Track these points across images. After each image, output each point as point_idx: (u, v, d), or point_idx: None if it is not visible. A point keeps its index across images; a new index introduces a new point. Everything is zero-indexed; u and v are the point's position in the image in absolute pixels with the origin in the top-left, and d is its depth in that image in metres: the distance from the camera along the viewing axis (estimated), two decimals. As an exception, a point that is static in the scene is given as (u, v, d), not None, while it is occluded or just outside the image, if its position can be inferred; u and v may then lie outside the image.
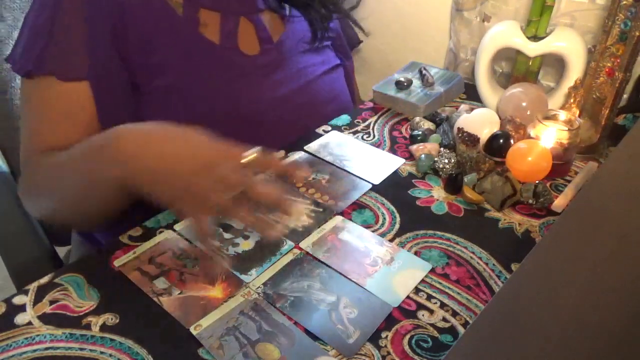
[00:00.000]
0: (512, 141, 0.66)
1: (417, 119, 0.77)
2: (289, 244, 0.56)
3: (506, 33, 0.78)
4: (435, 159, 0.67)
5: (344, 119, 0.80)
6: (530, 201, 0.61)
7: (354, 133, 0.77)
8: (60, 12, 0.59)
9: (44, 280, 0.52)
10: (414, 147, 0.70)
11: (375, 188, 0.65)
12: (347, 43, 0.91)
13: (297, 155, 0.71)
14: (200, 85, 0.66)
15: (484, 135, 0.68)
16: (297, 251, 0.55)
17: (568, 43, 0.74)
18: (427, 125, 0.76)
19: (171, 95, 0.65)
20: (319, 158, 0.70)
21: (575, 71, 0.74)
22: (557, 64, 0.82)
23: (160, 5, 0.65)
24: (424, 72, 0.86)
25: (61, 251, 0.81)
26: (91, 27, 0.60)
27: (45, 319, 0.48)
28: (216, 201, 0.47)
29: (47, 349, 0.45)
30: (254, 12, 0.73)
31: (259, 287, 0.51)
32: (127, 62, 0.63)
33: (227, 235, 0.57)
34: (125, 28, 0.61)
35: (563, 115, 0.68)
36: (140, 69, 0.63)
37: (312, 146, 0.73)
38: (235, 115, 0.68)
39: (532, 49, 0.77)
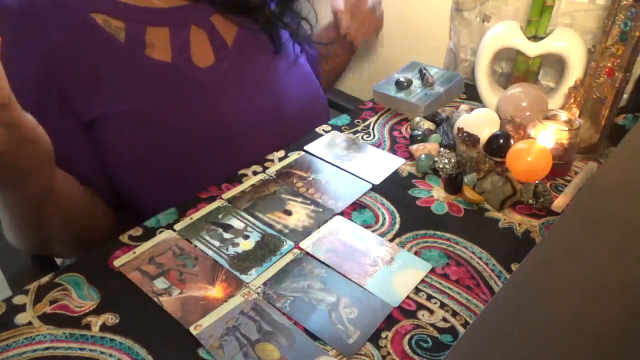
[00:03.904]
0: (512, 141, 0.66)
1: (417, 119, 0.77)
2: (289, 244, 0.56)
3: (506, 33, 0.78)
4: (435, 159, 0.67)
5: (344, 119, 0.80)
6: (530, 201, 0.61)
7: (354, 133, 0.77)
8: None
9: (44, 280, 0.52)
10: (414, 147, 0.70)
11: (375, 188, 0.65)
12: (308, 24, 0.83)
13: (297, 155, 0.71)
14: (159, 108, 0.63)
15: (484, 135, 0.68)
16: (297, 251, 0.55)
17: (568, 43, 0.74)
18: (427, 125, 0.76)
19: (132, 122, 0.62)
20: (319, 158, 0.70)
21: (575, 71, 0.74)
22: (557, 64, 0.82)
23: (97, 36, 0.61)
24: (424, 72, 0.86)
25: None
26: (20, 82, 0.56)
27: (45, 319, 0.48)
28: None
29: (47, 349, 0.45)
30: (204, 18, 0.69)
31: (259, 287, 0.51)
32: (71, 101, 0.60)
33: (227, 235, 0.57)
34: (60, 70, 0.59)
35: (563, 115, 0.68)
36: (91, 104, 0.60)
37: (312, 146, 0.73)
38: (202, 131, 0.65)
39: (532, 49, 0.77)
